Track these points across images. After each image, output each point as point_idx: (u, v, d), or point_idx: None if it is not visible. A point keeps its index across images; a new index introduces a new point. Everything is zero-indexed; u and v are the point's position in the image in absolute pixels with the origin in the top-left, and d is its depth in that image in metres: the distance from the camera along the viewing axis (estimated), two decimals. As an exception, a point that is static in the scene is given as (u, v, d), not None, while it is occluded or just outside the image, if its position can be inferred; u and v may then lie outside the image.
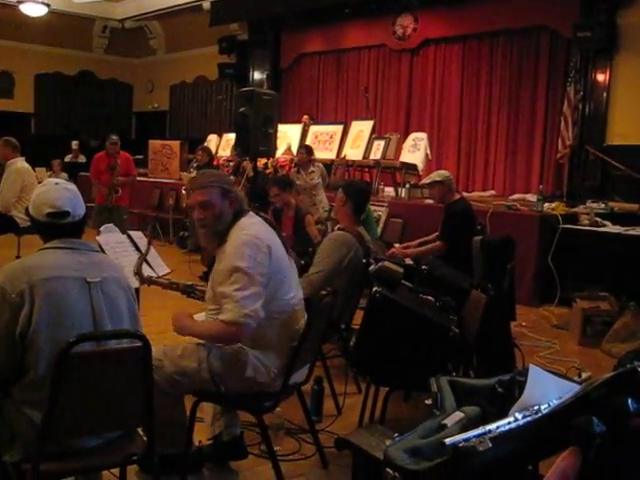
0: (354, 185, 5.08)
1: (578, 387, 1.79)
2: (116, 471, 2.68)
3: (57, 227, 2.51)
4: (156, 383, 2.74)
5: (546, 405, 1.65)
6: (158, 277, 3.37)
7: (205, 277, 7.92)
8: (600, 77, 9.20)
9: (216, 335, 2.87)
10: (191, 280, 7.78)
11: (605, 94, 9.16)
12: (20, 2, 13.12)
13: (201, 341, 2.96)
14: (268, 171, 9.49)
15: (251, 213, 3.07)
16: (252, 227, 2.96)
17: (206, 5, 13.74)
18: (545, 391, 1.84)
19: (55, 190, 2.55)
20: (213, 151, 11.87)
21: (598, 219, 7.45)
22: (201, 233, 3.05)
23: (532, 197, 8.88)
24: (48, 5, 13.27)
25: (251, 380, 2.91)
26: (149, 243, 3.88)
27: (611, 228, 7.33)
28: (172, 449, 2.91)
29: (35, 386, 2.32)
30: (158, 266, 3.95)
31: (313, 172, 8.24)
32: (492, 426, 1.66)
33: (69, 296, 2.38)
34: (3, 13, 14.75)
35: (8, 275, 2.37)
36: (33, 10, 13.39)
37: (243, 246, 2.85)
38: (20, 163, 7.17)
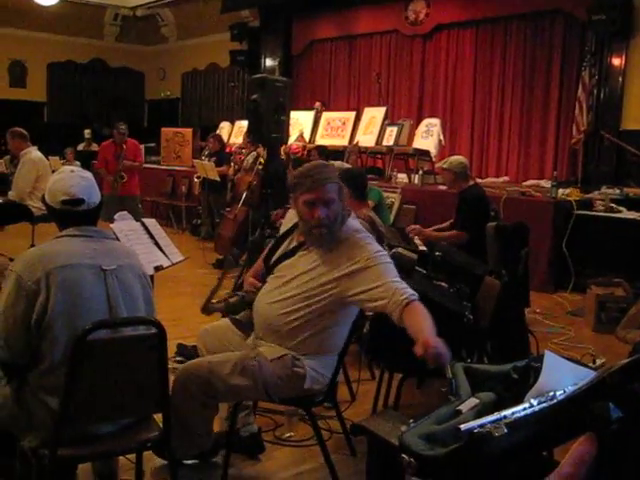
0: (347, 172, 5.04)
1: (593, 373, 1.79)
2: (132, 457, 2.70)
3: (72, 214, 2.52)
4: (192, 393, 2.75)
5: (562, 391, 1.65)
6: (216, 303, 3.23)
7: (218, 265, 7.99)
8: (615, 61, 9.10)
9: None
10: (204, 267, 7.84)
11: (620, 78, 9.06)
12: (32, -9, 13.13)
13: (250, 355, 2.83)
14: (281, 157, 9.47)
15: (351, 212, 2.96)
16: (360, 225, 2.92)
17: (217, -8, 13.70)
18: (560, 377, 1.84)
19: (70, 178, 2.56)
20: (225, 138, 11.87)
21: (613, 205, 7.41)
22: (317, 233, 2.78)
23: (546, 183, 8.83)
24: (60, -7, 13.28)
25: (308, 390, 2.87)
26: (220, 280, 3.73)
27: (626, 214, 7.28)
28: (197, 449, 2.92)
29: (51, 373, 2.34)
30: (172, 254, 3.96)
31: None
32: (507, 412, 1.66)
33: (85, 283, 2.39)
34: (16, 2, 14.78)
35: (25, 263, 2.38)
36: (45, -1, 13.40)
37: (371, 243, 2.79)
38: (34, 153, 7.19)
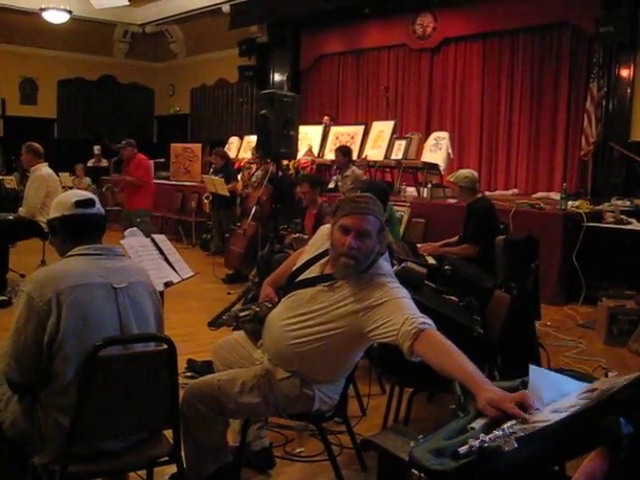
0: (372, 185, 5.07)
1: (582, 384, 1.79)
2: (142, 473, 2.70)
3: (83, 219, 2.54)
4: (201, 411, 2.73)
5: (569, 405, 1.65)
6: (225, 319, 3.18)
7: (228, 280, 8.00)
8: (624, 72, 9.09)
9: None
10: (214, 282, 7.85)
11: (629, 90, 9.06)
12: (43, 9, 13.25)
13: (258, 373, 2.81)
14: (289, 172, 9.51)
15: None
16: (388, 266, 2.83)
17: (225, 8, 13.78)
18: (546, 390, 1.84)
19: (74, 190, 2.63)
20: (234, 153, 11.91)
21: (623, 217, 7.38)
22: (342, 262, 2.66)
23: (555, 195, 8.82)
24: (70, 12, 13.40)
25: (317, 410, 2.86)
26: (236, 300, 3.67)
27: (636, 226, 7.26)
28: (215, 464, 2.90)
29: (63, 392, 2.34)
30: (182, 269, 3.97)
31: (347, 177, 8.20)
32: (517, 426, 1.65)
33: (95, 303, 2.40)
34: (26, 21, 14.93)
35: (35, 283, 2.39)
36: (56, 17, 13.53)
37: (393, 282, 2.68)
38: (44, 169, 7.24)
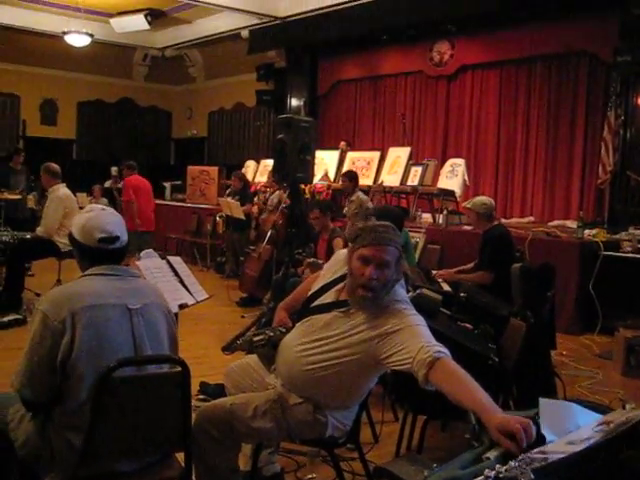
0: (387, 211, 5.06)
1: (598, 416, 1.76)
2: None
3: (106, 253, 2.54)
4: (212, 435, 2.70)
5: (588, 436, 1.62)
6: (239, 343, 3.16)
7: (243, 303, 8.00)
8: (641, 102, 9.08)
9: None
10: (228, 305, 7.85)
11: (646, 119, 9.04)
12: (65, 33, 13.44)
13: (271, 397, 2.80)
14: (305, 197, 9.53)
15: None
16: (404, 293, 2.80)
17: (244, 34, 13.93)
18: (560, 421, 1.81)
19: (105, 215, 2.60)
20: (251, 177, 11.97)
21: (641, 246, 7.33)
22: (361, 294, 2.62)
23: (572, 223, 8.78)
24: (92, 35, 13.58)
25: (330, 436, 2.84)
26: (251, 324, 3.65)
27: (655, 255, 7.20)
28: None
29: (76, 412, 2.34)
30: (196, 292, 3.97)
31: (352, 202, 8.17)
32: (535, 455, 1.63)
33: (110, 323, 2.40)
34: (49, 44, 15.15)
35: (51, 302, 2.39)
36: (77, 40, 13.70)
37: (409, 309, 2.67)
38: (61, 190, 7.30)
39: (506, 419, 1.86)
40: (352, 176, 8.45)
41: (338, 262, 2.99)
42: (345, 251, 2.91)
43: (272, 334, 2.99)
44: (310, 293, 3.00)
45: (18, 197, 8.89)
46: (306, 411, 2.77)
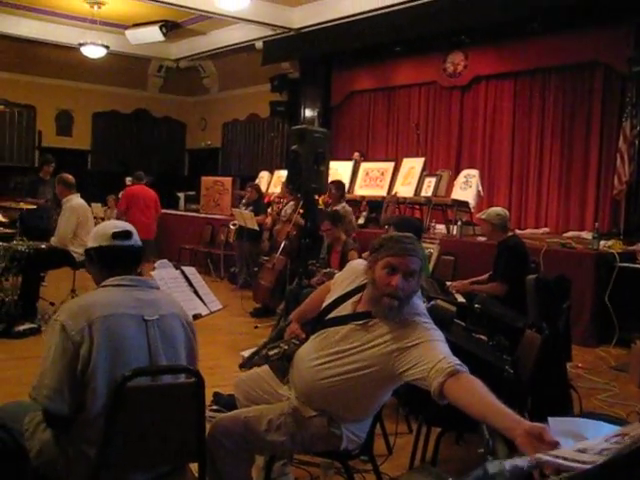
0: (405, 221, 5.06)
1: (611, 427, 1.74)
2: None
3: (120, 251, 2.58)
4: (226, 447, 2.69)
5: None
6: (255, 359, 3.14)
7: (256, 313, 8.00)
8: (657, 112, 9.04)
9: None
10: (242, 315, 7.85)
11: (662, 129, 8.99)
12: (81, 45, 13.56)
13: (284, 410, 2.79)
14: (319, 208, 9.53)
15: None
16: (422, 305, 2.79)
17: (258, 45, 13.99)
18: (570, 437, 1.80)
19: (113, 221, 2.74)
20: (264, 188, 11.99)
21: (657, 257, 7.28)
22: (386, 303, 2.60)
23: (587, 235, 8.72)
24: (107, 47, 13.69)
25: (344, 448, 2.82)
26: (266, 343, 3.58)
27: (671, 266, 7.15)
28: None
29: (90, 423, 2.34)
30: (210, 302, 3.98)
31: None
32: (546, 458, 1.61)
33: (126, 333, 2.41)
34: (65, 55, 15.29)
35: (69, 313, 2.40)
36: (93, 52, 13.82)
37: (428, 323, 2.64)
38: (75, 200, 7.35)
39: (534, 424, 1.86)
40: (339, 186, 8.41)
41: (353, 273, 2.96)
42: (361, 261, 2.89)
43: (287, 347, 2.98)
44: (325, 305, 2.97)
45: (33, 206, 8.92)
46: (321, 424, 2.75)
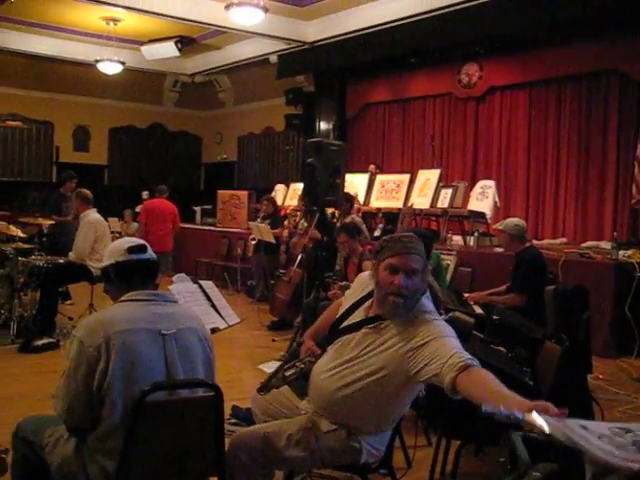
0: (416, 232, 5.02)
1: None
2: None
3: (136, 265, 2.60)
4: (245, 462, 2.68)
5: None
6: (272, 382, 3.13)
7: (273, 327, 7.99)
8: (674, 119, 8.98)
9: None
10: (259, 328, 7.85)
11: (680, 137, 8.93)
12: (98, 61, 13.70)
13: (303, 425, 2.79)
14: (334, 220, 9.53)
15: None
16: (431, 304, 2.81)
17: (273, 59, 14.06)
18: None
19: (127, 238, 2.70)
20: (280, 201, 12.01)
21: (677, 267, 7.20)
22: (392, 301, 2.65)
23: (606, 244, 8.65)
24: (123, 63, 13.81)
25: (364, 462, 2.81)
26: (282, 365, 3.56)
27: (691, 276, 7.06)
28: None
29: (108, 436, 2.35)
30: (228, 316, 3.98)
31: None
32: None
33: (143, 348, 2.42)
34: (81, 72, 15.44)
35: (86, 329, 2.43)
36: (109, 68, 13.95)
37: (439, 320, 2.70)
38: (92, 215, 7.41)
39: (539, 402, 1.93)
40: (348, 198, 8.44)
41: (362, 283, 3.01)
42: (367, 272, 2.92)
43: (303, 365, 2.99)
44: (338, 316, 3.00)
45: (51, 222, 8.99)
46: (339, 438, 2.75)
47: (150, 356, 2.43)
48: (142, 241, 2.70)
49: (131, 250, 2.60)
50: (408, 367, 2.57)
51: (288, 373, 3.00)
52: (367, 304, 2.86)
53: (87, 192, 7.55)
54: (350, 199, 8.45)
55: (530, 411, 1.87)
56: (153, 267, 2.68)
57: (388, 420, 2.84)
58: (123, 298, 2.57)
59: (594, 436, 1.63)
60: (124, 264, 2.60)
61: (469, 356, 2.42)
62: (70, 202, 9.25)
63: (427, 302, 2.79)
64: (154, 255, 2.70)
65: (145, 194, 14.54)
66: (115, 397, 2.33)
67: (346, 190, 9.29)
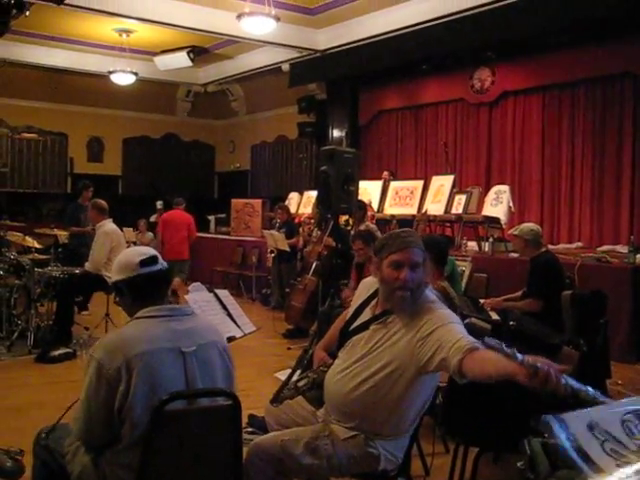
0: (431, 238, 5.02)
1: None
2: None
3: (150, 277, 2.57)
4: (263, 470, 2.70)
5: None
6: (284, 393, 3.13)
7: (289, 335, 7.98)
8: (689, 122, 8.91)
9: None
10: (274, 337, 7.84)
11: (696, 139, 8.86)
12: (111, 72, 13.79)
13: (320, 433, 2.80)
14: (348, 228, 9.52)
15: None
16: (433, 295, 2.85)
17: (285, 67, 14.09)
18: None
19: (132, 249, 2.73)
20: (294, 209, 12.03)
21: (695, 270, 7.13)
22: (399, 296, 2.70)
23: (622, 248, 8.59)
24: (136, 74, 13.90)
25: (382, 469, 2.80)
26: (292, 372, 3.57)
27: None
28: None
29: (128, 451, 2.34)
30: (244, 324, 3.98)
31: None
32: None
33: (164, 368, 2.40)
34: (95, 83, 15.56)
35: (105, 350, 2.40)
36: (122, 79, 14.04)
37: (444, 308, 2.75)
38: (108, 225, 7.44)
39: (525, 360, 2.08)
40: (361, 205, 8.44)
41: (366, 286, 3.08)
42: (370, 278, 2.98)
43: (315, 376, 3.01)
44: (346, 320, 3.05)
45: (69, 233, 9.03)
46: (357, 445, 2.74)
47: (171, 375, 2.40)
48: (153, 251, 2.65)
49: (143, 263, 2.56)
50: (418, 357, 2.61)
51: (301, 384, 3.01)
52: (373, 303, 2.92)
53: (102, 202, 7.58)
54: (363, 206, 8.44)
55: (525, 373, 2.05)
56: (166, 277, 2.65)
57: (404, 421, 2.81)
58: (140, 314, 2.52)
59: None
60: (137, 278, 2.56)
61: (474, 339, 2.46)
62: (88, 212, 9.23)
63: (429, 292, 2.84)
64: (165, 264, 2.66)
65: (159, 204, 14.59)
66: (136, 418, 2.32)
67: (361, 198, 9.32)
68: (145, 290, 2.57)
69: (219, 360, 2.57)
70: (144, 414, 2.31)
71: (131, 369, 2.32)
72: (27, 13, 7.77)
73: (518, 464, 2.05)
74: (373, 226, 8.42)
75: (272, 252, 9.77)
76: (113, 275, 2.64)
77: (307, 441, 2.76)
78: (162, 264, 2.63)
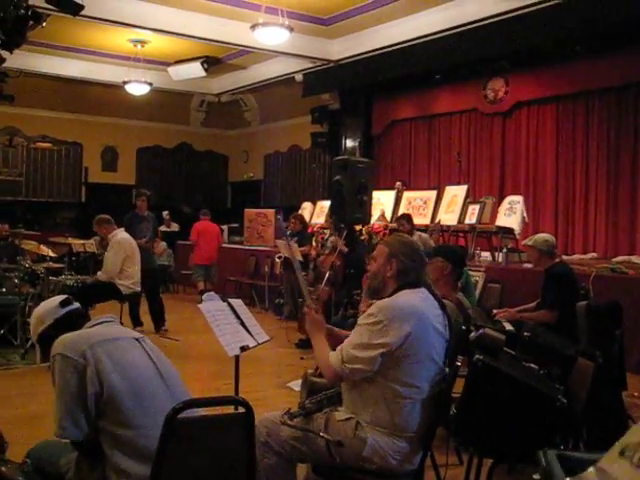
0: (451, 249, 5.01)
1: None
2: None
3: (73, 314, 2.75)
4: (268, 444, 2.87)
5: None
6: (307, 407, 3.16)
7: (301, 344, 7.97)
8: None
9: (322, 365, 3.01)
10: (287, 346, 7.83)
11: None
12: (125, 83, 13.88)
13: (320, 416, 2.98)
14: (362, 238, 9.51)
15: (422, 289, 3.01)
16: (405, 297, 2.93)
17: (298, 77, 14.13)
18: None
19: (45, 302, 2.86)
20: (307, 218, 12.04)
21: None
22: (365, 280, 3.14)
23: (637, 259, 8.54)
24: (150, 84, 13.98)
25: (368, 460, 2.83)
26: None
27: None
28: None
29: (135, 461, 2.36)
30: (257, 334, 3.98)
31: None
32: None
33: (126, 351, 2.55)
34: (109, 93, 15.69)
35: (64, 344, 2.49)
36: (137, 89, 14.13)
37: (380, 309, 2.87)
38: (120, 235, 7.48)
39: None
40: (409, 218, 8.51)
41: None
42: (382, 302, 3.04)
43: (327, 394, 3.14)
44: None
45: (81, 241, 9.08)
46: (348, 427, 2.85)
47: (137, 357, 2.55)
48: (64, 296, 2.82)
49: (63, 304, 2.74)
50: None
51: (315, 400, 3.10)
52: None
53: (105, 216, 7.63)
54: (411, 219, 8.52)
55: None
56: (85, 314, 2.82)
57: (400, 419, 2.84)
58: (88, 324, 2.70)
59: None
60: (64, 319, 2.70)
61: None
62: (145, 223, 9.08)
63: (404, 294, 2.96)
64: (78, 304, 2.83)
65: (165, 213, 14.66)
66: (123, 401, 2.39)
67: (404, 211, 9.45)
68: (75, 323, 2.70)
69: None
70: (127, 394, 2.40)
71: (97, 353, 2.43)
72: (44, 24, 7.84)
73: (533, 476, 2.02)
74: (425, 235, 8.49)
75: (280, 257, 9.78)
76: (35, 331, 2.75)
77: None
78: (77, 305, 2.81)
